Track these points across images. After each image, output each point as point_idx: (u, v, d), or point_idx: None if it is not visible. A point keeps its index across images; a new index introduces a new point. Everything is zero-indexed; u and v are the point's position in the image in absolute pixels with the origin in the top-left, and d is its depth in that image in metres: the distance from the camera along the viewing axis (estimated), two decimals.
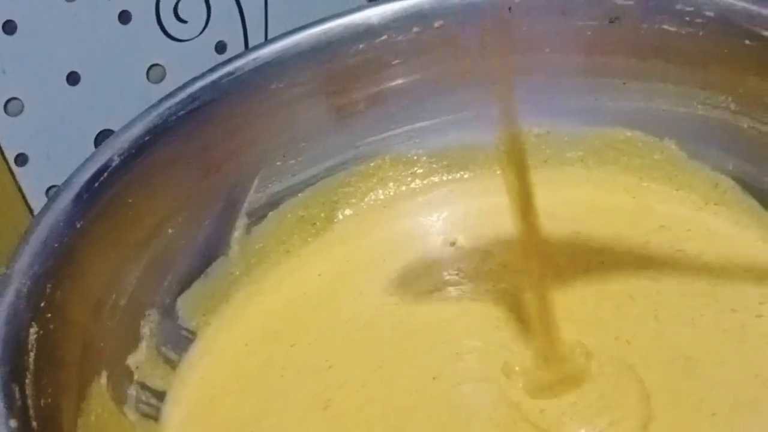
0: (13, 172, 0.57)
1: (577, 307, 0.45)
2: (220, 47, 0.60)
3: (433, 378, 0.43)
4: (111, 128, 0.58)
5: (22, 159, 0.57)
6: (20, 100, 0.56)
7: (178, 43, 0.59)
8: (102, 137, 0.58)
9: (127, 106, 0.55)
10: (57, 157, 0.58)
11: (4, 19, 0.53)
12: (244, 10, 0.60)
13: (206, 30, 0.59)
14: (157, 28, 0.57)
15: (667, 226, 0.48)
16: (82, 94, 0.57)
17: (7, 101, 0.55)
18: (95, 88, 0.57)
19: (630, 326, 0.43)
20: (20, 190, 0.58)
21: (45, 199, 0.57)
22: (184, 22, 0.58)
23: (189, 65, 0.57)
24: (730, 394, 0.40)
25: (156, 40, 0.58)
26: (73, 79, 0.57)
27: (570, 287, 0.46)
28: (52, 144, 0.57)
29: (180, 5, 0.57)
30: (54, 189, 0.57)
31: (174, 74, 0.59)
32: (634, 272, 0.46)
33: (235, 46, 0.61)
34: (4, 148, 0.56)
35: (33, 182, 0.58)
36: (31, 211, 0.58)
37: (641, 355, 0.42)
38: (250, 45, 0.61)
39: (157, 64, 0.59)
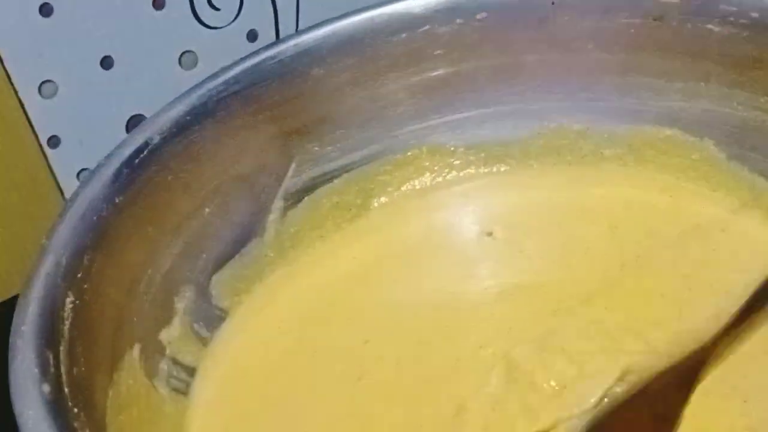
0: (46, 154, 0.58)
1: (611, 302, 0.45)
2: (252, 36, 0.61)
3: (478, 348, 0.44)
4: (143, 113, 0.59)
5: (54, 141, 0.58)
6: (54, 82, 0.56)
7: (211, 30, 0.59)
8: (134, 122, 0.59)
9: (159, 91, 0.56)
10: (89, 141, 0.58)
11: (41, 2, 0.54)
12: (277, 0, 0.60)
13: (238, 18, 0.60)
14: (191, 14, 0.58)
15: (702, 225, 0.48)
16: (115, 78, 0.58)
17: (42, 83, 0.56)
18: (128, 73, 0.58)
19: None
20: (52, 172, 0.58)
21: (76, 182, 0.58)
22: (217, 9, 0.58)
23: (221, 53, 0.57)
24: (763, 383, 0.40)
25: (189, 27, 0.58)
26: (106, 63, 0.57)
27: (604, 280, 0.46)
28: (84, 127, 0.58)
29: None
30: (85, 172, 0.58)
31: (206, 61, 0.59)
32: (667, 270, 0.46)
33: (266, 34, 0.61)
34: (37, 130, 0.57)
35: (65, 165, 0.58)
36: (62, 193, 0.59)
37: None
38: (281, 34, 0.61)
39: (189, 51, 0.59)
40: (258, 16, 0.60)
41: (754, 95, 0.47)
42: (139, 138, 0.46)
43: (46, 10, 0.54)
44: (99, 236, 0.42)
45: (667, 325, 0.43)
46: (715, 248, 0.46)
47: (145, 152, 0.45)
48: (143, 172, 0.45)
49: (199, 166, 0.48)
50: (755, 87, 0.47)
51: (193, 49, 0.59)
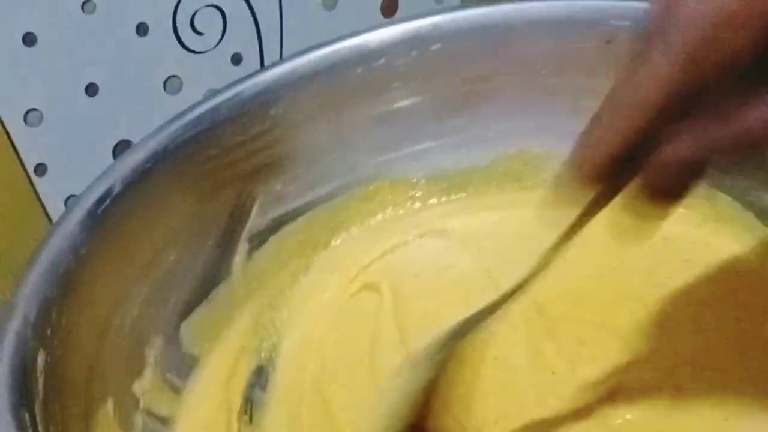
0: (33, 181, 0.57)
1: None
2: (236, 59, 0.61)
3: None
4: (129, 138, 0.59)
5: (41, 169, 0.58)
6: (39, 111, 0.56)
7: (195, 54, 0.59)
8: (120, 147, 0.59)
9: (144, 117, 0.57)
10: (75, 167, 0.58)
11: (24, 31, 0.54)
12: (260, 23, 0.60)
13: (222, 42, 0.60)
14: (174, 40, 0.58)
15: (670, 238, 0.48)
16: (100, 105, 0.58)
17: (27, 112, 0.56)
18: (113, 99, 0.58)
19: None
20: (39, 199, 0.58)
21: (63, 209, 0.57)
22: (201, 34, 0.58)
23: (205, 77, 0.59)
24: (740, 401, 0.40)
25: (173, 52, 0.58)
26: (91, 90, 0.57)
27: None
28: (70, 154, 0.58)
29: (196, 17, 0.58)
30: (72, 198, 0.57)
31: (191, 85, 0.60)
32: (644, 278, 0.46)
33: (250, 57, 0.61)
34: (23, 159, 0.56)
35: (52, 192, 0.58)
36: (50, 220, 0.59)
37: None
38: (266, 57, 0.62)
39: (174, 76, 0.59)
40: (241, 39, 0.61)
41: None
42: (101, 187, 0.45)
43: (29, 39, 0.54)
44: (66, 289, 0.42)
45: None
46: (687, 258, 0.47)
47: (108, 201, 0.45)
48: (107, 221, 0.45)
49: (162, 211, 0.47)
50: None
51: (177, 73, 0.60)
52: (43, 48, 0.54)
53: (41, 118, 0.56)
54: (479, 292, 0.48)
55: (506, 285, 0.47)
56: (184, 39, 0.58)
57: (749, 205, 0.47)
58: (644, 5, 0.46)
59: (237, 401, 0.46)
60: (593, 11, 0.50)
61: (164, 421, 0.45)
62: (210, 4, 0.58)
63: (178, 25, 0.58)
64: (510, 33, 0.50)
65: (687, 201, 0.48)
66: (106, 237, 0.44)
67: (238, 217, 0.51)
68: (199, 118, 0.49)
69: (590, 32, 0.49)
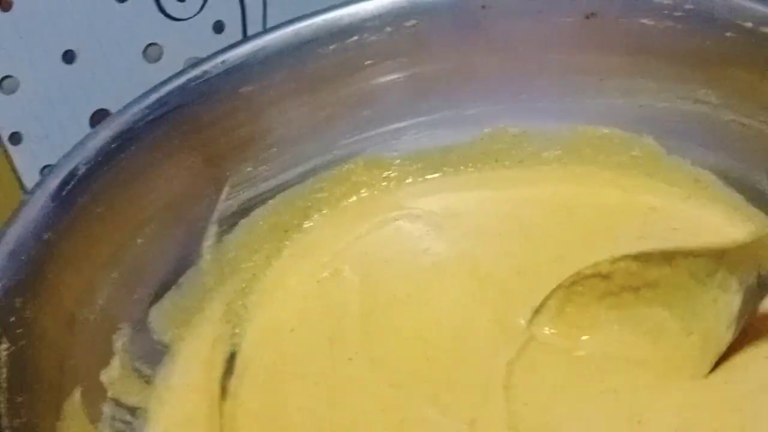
0: (8, 150, 0.56)
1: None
2: (218, 27, 0.59)
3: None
4: (106, 108, 0.57)
5: (16, 138, 0.56)
6: (15, 78, 0.54)
7: (176, 22, 0.57)
8: (97, 116, 0.57)
9: (123, 85, 0.55)
10: (52, 136, 0.56)
11: None
12: None
13: (204, 9, 0.58)
14: (155, 6, 0.56)
15: (658, 208, 0.48)
16: (78, 72, 0.56)
17: (2, 78, 0.54)
18: (91, 66, 0.56)
19: None
20: (14, 169, 0.56)
21: (38, 179, 0.54)
22: (182, 0, 0.57)
23: (186, 44, 0.57)
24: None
25: (153, 19, 0.57)
26: (69, 57, 0.55)
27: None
28: (47, 123, 0.56)
29: None
30: (48, 168, 0.54)
31: (171, 53, 0.58)
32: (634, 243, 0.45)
33: (233, 25, 0.59)
34: (2, 129, 0.55)
35: (27, 161, 0.57)
36: (24, 190, 0.57)
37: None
38: (248, 24, 0.60)
39: (154, 43, 0.58)
40: (224, 6, 0.59)
41: (694, 88, 0.47)
42: (64, 168, 0.43)
43: (5, 4, 0.52)
44: (30, 276, 0.40)
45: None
46: (677, 227, 0.47)
47: (72, 183, 0.43)
48: (71, 204, 0.43)
49: (129, 194, 0.46)
50: (693, 79, 0.46)
51: (157, 41, 0.58)
52: (19, 13, 0.52)
53: (17, 85, 0.54)
54: (454, 277, 0.48)
55: (482, 275, 0.47)
56: (164, 5, 0.56)
57: (734, 183, 0.47)
58: None
59: (216, 390, 0.44)
60: None
61: (133, 411, 0.43)
62: None
63: None
64: (487, 9, 0.49)
65: (670, 178, 0.49)
66: (71, 222, 0.43)
67: (207, 199, 0.49)
68: (165, 98, 0.47)
69: (570, 7, 0.48)
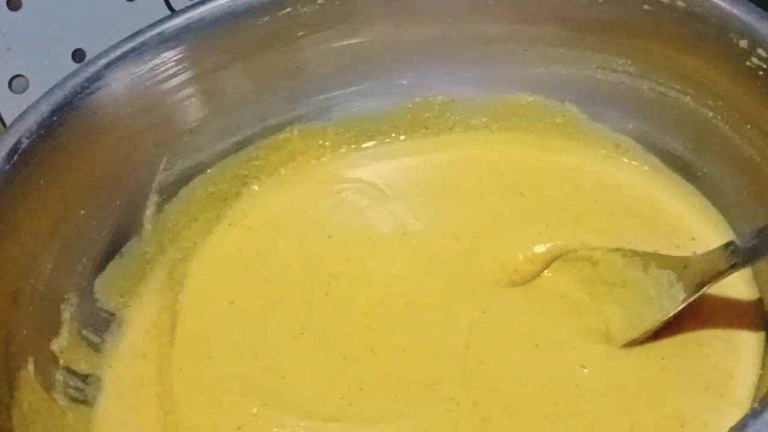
0: None
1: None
2: None
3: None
4: None
5: None
6: (25, 77, 0.55)
7: None
8: None
9: None
10: None
11: None
12: None
13: None
14: (163, 4, 0.56)
15: (582, 168, 0.50)
16: None
17: (12, 78, 0.54)
18: None
19: None
20: None
21: None
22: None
23: None
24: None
25: (161, 16, 0.54)
26: (78, 56, 0.56)
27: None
28: None
29: None
30: None
31: None
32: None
33: None
34: (7, 125, 0.54)
35: None
36: None
37: None
38: None
39: None
40: None
41: (613, 57, 0.49)
42: (6, 142, 0.44)
43: (14, 4, 0.53)
44: None
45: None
46: (606, 183, 0.49)
47: (15, 157, 0.44)
48: (14, 178, 0.44)
49: (69, 165, 0.46)
50: (612, 49, 0.49)
51: None
52: (28, 13, 0.53)
53: (27, 84, 0.55)
54: (394, 251, 0.49)
55: (422, 244, 0.49)
56: (174, 4, 0.56)
57: (651, 148, 0.49)
58: None
59: (163, 356, 0.45)
60: None
61: (85, 378, 0.45)
62: None
63: None
64: None
65: (591, 141, 0.51)
66: (14, 195, 0.43)
67: (146, 169, 0.50)
68: (101, 71, 0.48)
69: None
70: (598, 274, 0.44)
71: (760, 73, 0.42)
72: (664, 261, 0.42)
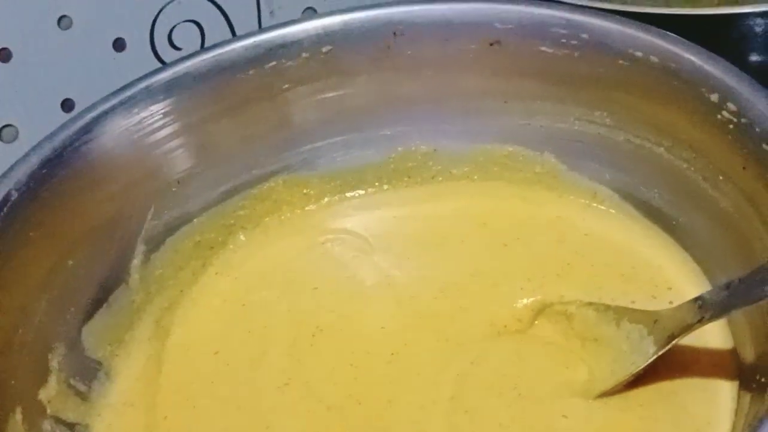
0: None
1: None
2: None
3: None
4: None
5: None
6: (15, 126, 0.55)
7: None
8: None
9: None
10: None
11: None
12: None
13: None
14: (152, 55, 0.58)
15: (563, 218, 0.51)
16: None
17: (2, 128, 0.55)
18: None
19: None
20: None
21: None
22: (179, 49, 0.58)
23: None
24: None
25: (150, 67, 0.57)
26: (68, 106, 0.57)
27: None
28: None
29: (174, 32, 0.58)
30: None
31: None
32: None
33: None
34: None
35: None
36: None
37: None
38: None
39: None
40: None
41: (589, 110, 0.50)
42: None
43: (4, 55, 0.53)
44: None
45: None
46: (587, 233, 0.50)
47: (5, 209, 0.44)
48: (6, 230, 0.44)
49: (59, 218, 0.47)
50: (589, 102, 0.50)
51: None
52: (18, 63, 0.54)
53: (16, 134, 0.56)
54: (380, 304, 0.50)
55: (408, 296, 0.49)
56: (161, 54, 0.57)
57: (628, 197, 0.50)
58: (528, 9, 0.50)
59: (151, 406, 0.46)
60: (477, 14, 0.51)
61: (72, 426, 0.45)
62: (188, 18, 0.58)
63: (155, 39, 0.57)
64: (398, 36, 0.52)
65: (570, 191, 0.52)
66: (3, 247, 0.44)
67: (134, 220, 0.51)
68: (90, 124, 0.49)
69: (475, 35, 0.51)
70: (572, 328, 0.45)
71: (731, 126, 0.43)
72: (635, 315, 0.43)
